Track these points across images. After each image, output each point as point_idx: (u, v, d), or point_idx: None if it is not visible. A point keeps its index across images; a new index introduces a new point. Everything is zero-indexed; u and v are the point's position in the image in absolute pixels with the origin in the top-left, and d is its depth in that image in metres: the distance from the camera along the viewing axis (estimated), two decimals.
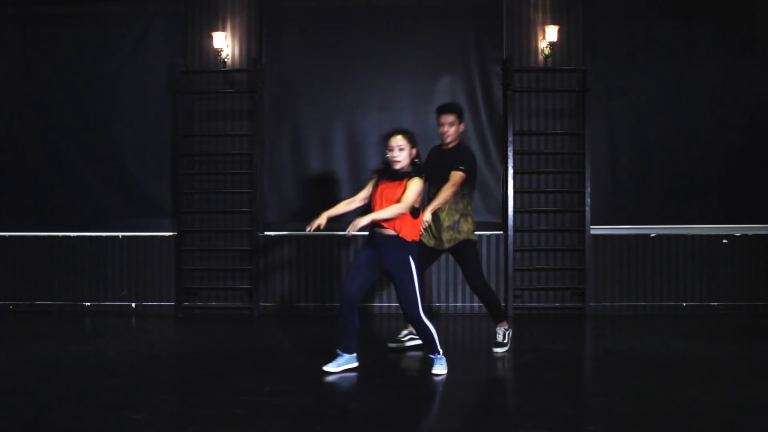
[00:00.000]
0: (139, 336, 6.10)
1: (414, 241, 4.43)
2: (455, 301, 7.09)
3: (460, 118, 5.11)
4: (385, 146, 4.41)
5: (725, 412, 3.66)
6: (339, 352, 4.54)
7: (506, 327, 5.28)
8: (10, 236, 7.33)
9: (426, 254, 5.10)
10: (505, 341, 5.24)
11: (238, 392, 4.02)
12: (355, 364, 4.57)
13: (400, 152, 4.35)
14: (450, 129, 5.04)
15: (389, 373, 4.63)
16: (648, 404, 3.78)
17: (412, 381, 4.47)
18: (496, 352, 5.16)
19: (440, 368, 4.49)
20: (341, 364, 4.52)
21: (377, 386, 4.26)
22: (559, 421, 3.48)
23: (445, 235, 5.06)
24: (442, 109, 5.13)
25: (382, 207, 4.36)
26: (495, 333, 5.30)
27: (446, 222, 5.05)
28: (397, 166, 4.37)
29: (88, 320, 6.86)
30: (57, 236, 7.30)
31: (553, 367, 4.77)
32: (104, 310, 7.25)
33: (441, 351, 4.50)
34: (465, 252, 5.09)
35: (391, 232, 4.37)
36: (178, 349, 5.66)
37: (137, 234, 7.23)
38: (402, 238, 4.37)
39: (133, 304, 7.27)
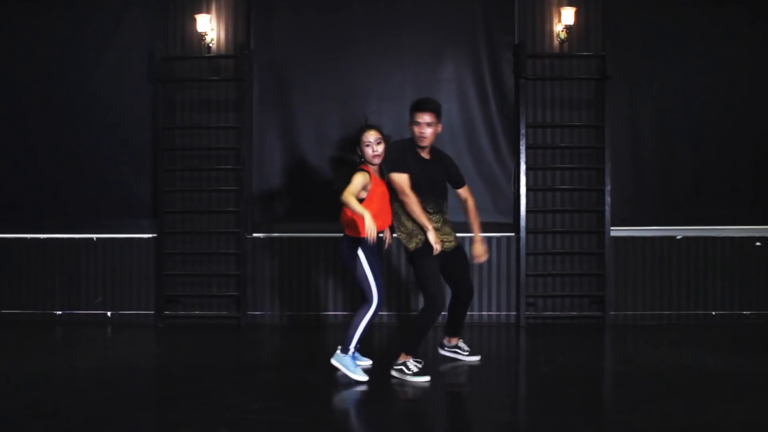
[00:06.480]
0: (116, 348, 6.11)
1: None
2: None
3: (439, 119, 4.88)
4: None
5: (758, 430, 3.66)
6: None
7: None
8: None
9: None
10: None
11: (224, 409, 4.03)
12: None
13: (378, 146, 4.70)
14: (428, 129, 4.82)
15: (390, 389, 4.63)
16: (673, 422, 3.79)
17: (416, 397, 4.47)
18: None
19: (339, 363, 4.71)
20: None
21: (376, 402, 4.27)
22: None
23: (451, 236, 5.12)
24: (421, 107, 4.83)
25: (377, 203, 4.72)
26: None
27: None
28: (378, 161, 4.73)
29: (59, 330, 6.87)
30: (25, 238, 7.31)
31: (569, 382, 4.77)
32: (77, 319, 7.26)
33: (351, 351, 4.70)
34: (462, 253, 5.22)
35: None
36: (158, 363, 5.67)
37: (114, 236, 7.24)
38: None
39: (109, 313, 7.28)
